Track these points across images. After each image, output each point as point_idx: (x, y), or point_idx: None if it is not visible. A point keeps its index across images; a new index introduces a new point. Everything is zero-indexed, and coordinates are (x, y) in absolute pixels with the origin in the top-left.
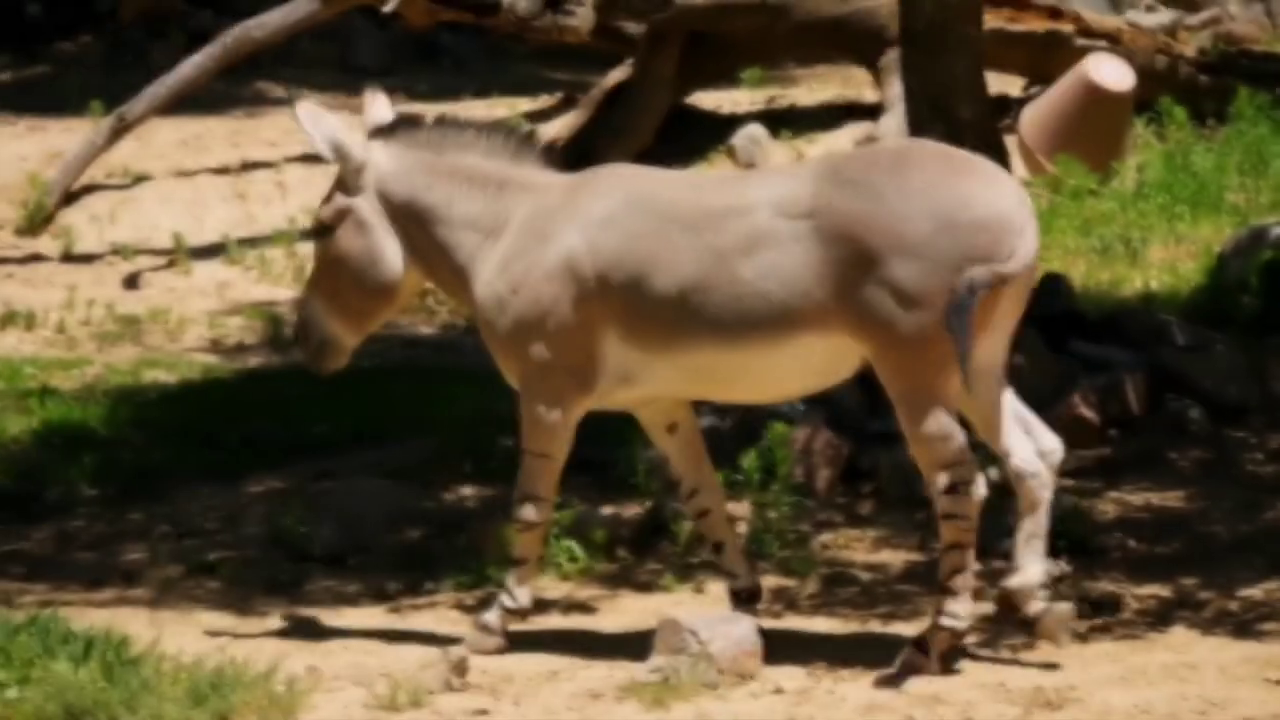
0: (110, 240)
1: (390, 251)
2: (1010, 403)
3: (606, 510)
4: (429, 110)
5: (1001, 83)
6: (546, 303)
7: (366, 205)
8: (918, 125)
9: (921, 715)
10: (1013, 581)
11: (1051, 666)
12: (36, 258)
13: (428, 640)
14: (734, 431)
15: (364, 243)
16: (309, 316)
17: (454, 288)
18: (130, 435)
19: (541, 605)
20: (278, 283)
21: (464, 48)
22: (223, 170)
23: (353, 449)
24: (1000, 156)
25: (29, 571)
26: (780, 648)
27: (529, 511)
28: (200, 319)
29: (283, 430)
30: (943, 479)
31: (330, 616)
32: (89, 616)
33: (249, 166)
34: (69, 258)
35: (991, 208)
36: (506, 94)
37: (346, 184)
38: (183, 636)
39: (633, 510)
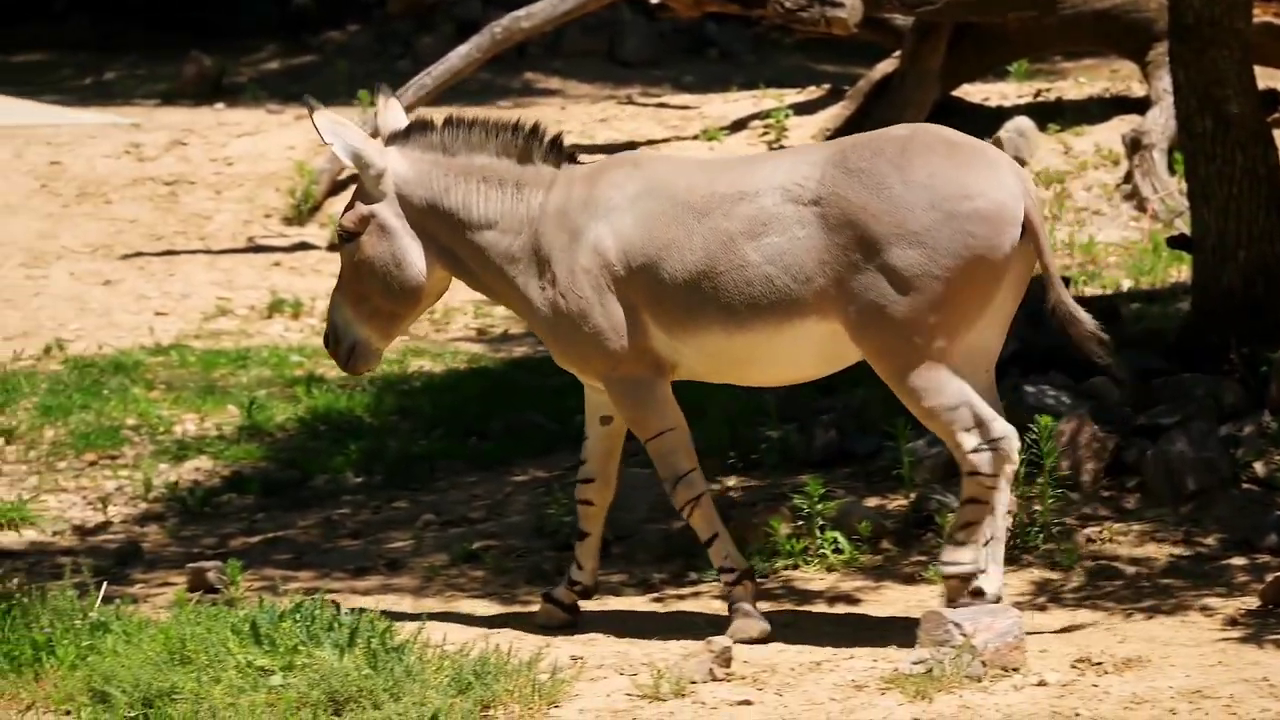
0: None
1: (413, 254)
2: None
3: (871, 502)
4: (694, 101)
5: (1270, 77)
6: (590, 295)
7: (388, 210)
8: (1186, 119)
9: (1185, 710)
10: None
11: None
12: (304, 246)
13: (691, 629)
14: None
15: (387, 247)
16: (338, 321)
17: (489, 284)
18: (396, 424)
19: (806, 596)
20: None
21: (731, 39)
22: None
23: None
24: (1269, 151)
25: (295, 558)
26: (1044, 640)
27: (683, 491)
28: (466, 308)
29: (547, 419)
30: (969, 440)
31: (594, 605)
32: (354, 604)
33: None
34: (336, 246)
35: (991, 198)
36: (773, 86)
37: (367, 191)
38: (447, 624)
39: (897, 502)
